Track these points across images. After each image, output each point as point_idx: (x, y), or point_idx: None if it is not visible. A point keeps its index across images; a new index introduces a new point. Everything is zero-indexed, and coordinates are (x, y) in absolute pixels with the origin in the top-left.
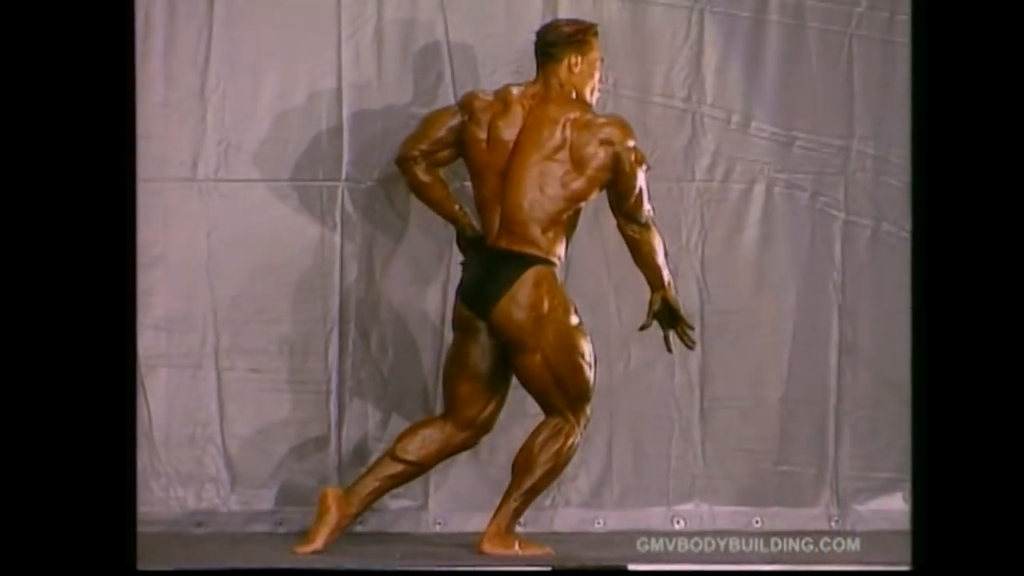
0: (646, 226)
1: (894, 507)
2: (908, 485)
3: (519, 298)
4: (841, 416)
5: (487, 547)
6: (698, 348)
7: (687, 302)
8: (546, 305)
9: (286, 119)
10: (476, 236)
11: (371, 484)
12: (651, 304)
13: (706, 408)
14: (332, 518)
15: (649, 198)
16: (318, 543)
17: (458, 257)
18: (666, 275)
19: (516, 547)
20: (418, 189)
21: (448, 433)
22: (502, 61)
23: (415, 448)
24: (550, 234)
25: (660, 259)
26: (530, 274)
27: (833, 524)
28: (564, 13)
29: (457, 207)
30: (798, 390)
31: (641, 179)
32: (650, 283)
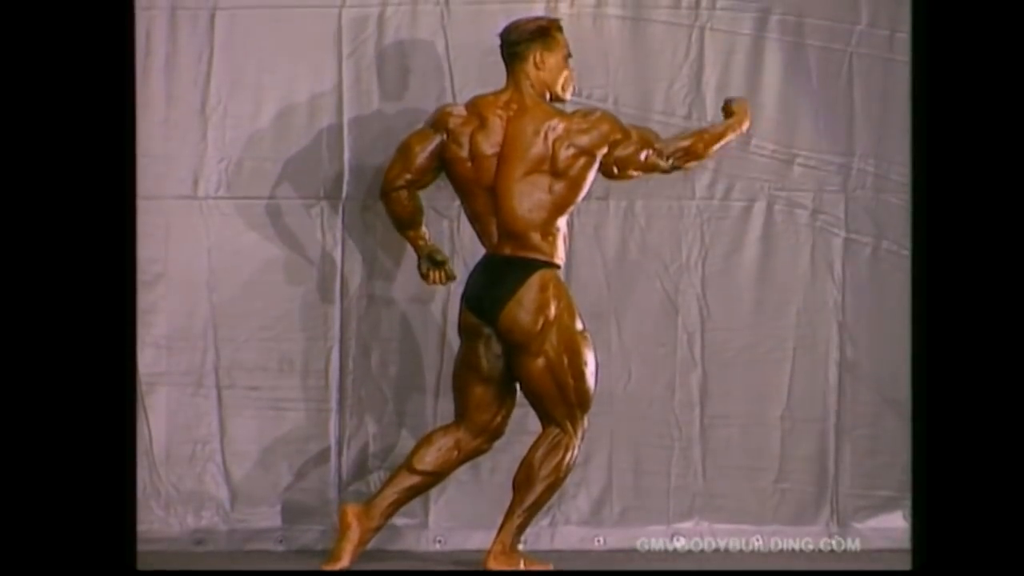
0: (678, 166)
1: (894, 525)
2: (908, 503)
3: (525, 302)
4: (841, 434)
5: (493, 564)
6: (698, 366)
7: (688, 320)
8: (552, 309)
9: (287, 137)
10: (442, 259)
11: (390, 497)
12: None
13: (706, 426)
14: (355, 534)
15: (656, 151)
16: (344, 561)
17: (456, 274)
18: (720, 131)
19: (521, 564)
20: (401, 217)
21: (462, 440)
22: (503, 78)
23: (431, 458)
24: (549, 238)
25: (713, 137)
26: (535, 278)
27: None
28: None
29: (423, 241)
30: (798, 408)
31: (640, 158)
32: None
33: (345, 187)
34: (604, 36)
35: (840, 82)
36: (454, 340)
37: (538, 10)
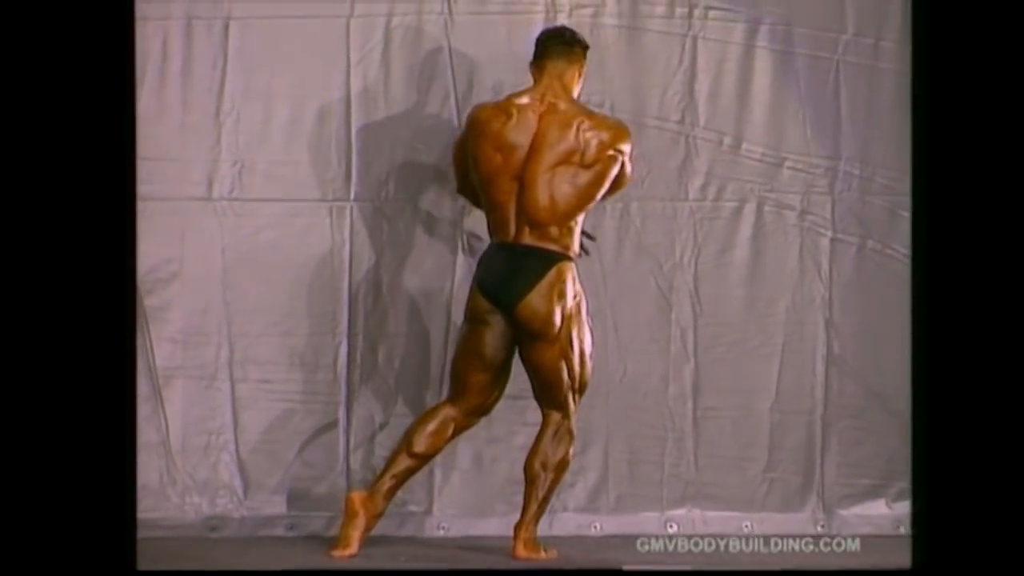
0: None
1: (878, 512)
2: (891, 491)
3: (546, 292)
4: (827, 425)
5: (522, 553)
6: (691, 360)
7: (681, 316)
8: (568, 299)
9: (297, 141)
10: None
11: (389, 481)
12: None
13: (699, 417)
14: (361, 521)
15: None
16: (353, 547)
17: (460, 272)
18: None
19: (542, 552)
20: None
21: (455, 419)
22: (506, 85)
23: (425, 441)
24: (567, 231)
25: None
26: (555, 270)
27: (819, 528)
28: None
29: None
30: (787, 400)
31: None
32: None
33: (353, 189)
34: (601, 44)
35: (827, 89)
36: (457, 335)
37: (538, 21)
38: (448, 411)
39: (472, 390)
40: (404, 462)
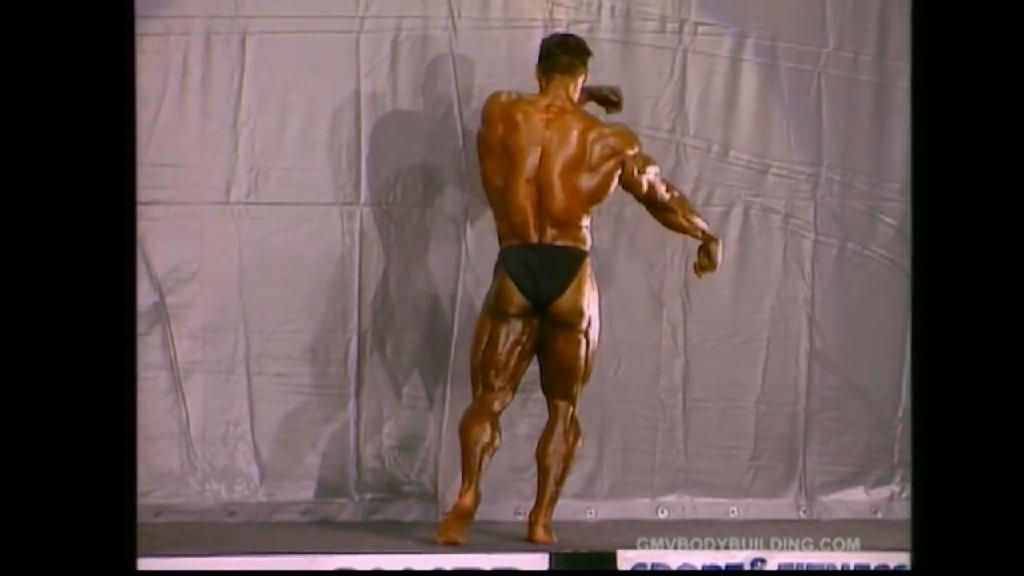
0: (668, 208)
1: (856, 498)
2: (868, 478)
3: (578, 287)
4: (809, 416)
5: (544, 537)
6: (681, 355)
7: (672, 314)
8: (594, 293)
9: (310, 148)
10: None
11: (477, 478)
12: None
13: (688, 409)
14: (472, 518)
15: (663, 181)
16: (464, 539)
17: (464, 271)
18: (701, 225)
19: (554, 537)
20: None
21: (500, 410)
22: (500, 84)
23: (492, 434)
24: (584, 229)
25: (691, 222)
26: (584, 265)
27: (801, 514)
28: None
29: None
30: (771, 393)
31: (650, 174)
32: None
33: (362, 193)
34: (596, 58)
35: (810, 99)
36: (462, 331)
37: (536, 36)
38: (499, 403)
39: (515, 380)
40: (485, 459)
